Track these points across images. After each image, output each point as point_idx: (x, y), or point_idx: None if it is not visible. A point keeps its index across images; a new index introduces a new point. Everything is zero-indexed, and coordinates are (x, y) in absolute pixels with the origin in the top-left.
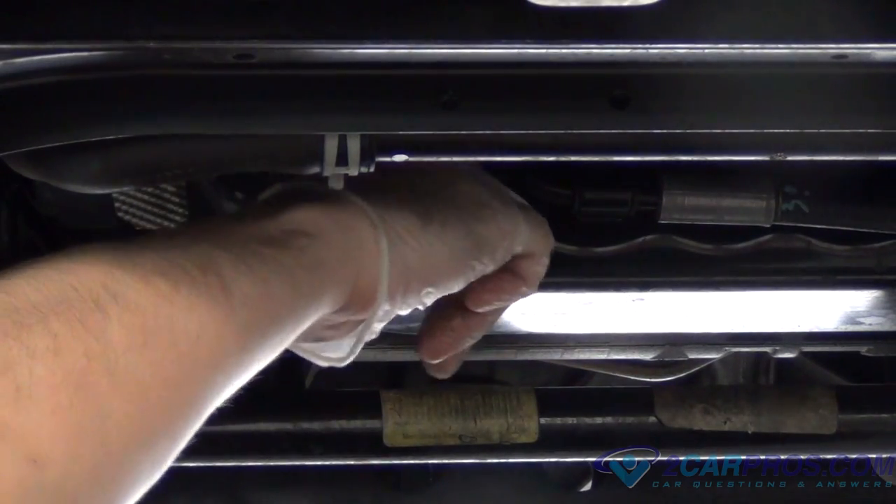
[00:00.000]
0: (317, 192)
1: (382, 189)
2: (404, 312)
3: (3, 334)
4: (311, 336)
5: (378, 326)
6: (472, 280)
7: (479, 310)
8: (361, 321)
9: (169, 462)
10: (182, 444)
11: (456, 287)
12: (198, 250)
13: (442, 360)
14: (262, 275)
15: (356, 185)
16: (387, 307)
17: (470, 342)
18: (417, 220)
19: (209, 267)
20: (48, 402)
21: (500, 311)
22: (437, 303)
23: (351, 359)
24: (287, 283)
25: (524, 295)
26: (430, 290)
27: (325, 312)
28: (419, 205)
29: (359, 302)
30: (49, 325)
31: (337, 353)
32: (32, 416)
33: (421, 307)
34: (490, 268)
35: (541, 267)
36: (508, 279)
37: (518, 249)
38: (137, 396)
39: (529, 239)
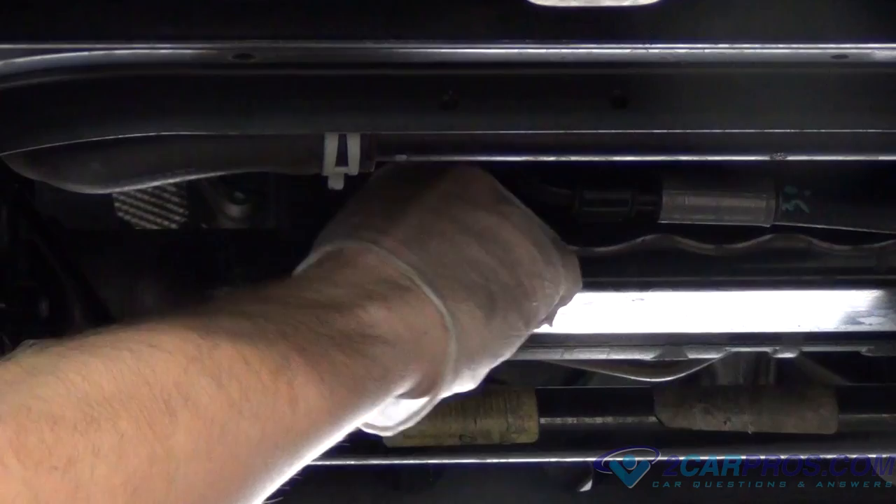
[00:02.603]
0: (394, 283)
1: (450, 270)
2: (461, 390)
3: (73, 428)
4: None
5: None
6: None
7: None
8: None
9: None
10: None
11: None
12: (276, 351)
13: None
14: (331, 386)
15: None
16: (445, 392)
17: None
18: (482, 314)
19: (282, 373)
20: (104, 503)
21: None
22: None
23: (399, 430)
24: (354, 393)
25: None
26: (486, 368)
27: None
28: (485, 292)
29: (419, 389)
30: (118, 424)
31: (383, 423)
32: None
33: (474, 384)
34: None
35: (565, 306)
36: None
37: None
38: (194, 502)
39: (565, 292)
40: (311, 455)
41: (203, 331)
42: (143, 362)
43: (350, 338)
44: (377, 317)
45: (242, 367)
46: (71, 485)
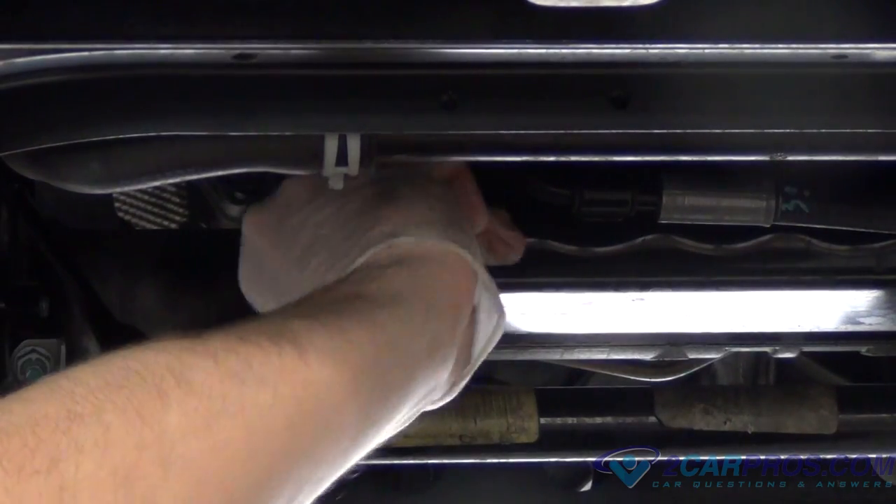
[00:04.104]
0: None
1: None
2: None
3: (54, 427)
4: None
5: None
6: None
7: None
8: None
9: None
10: None
11: None
12: (272, 321)
13: None
14: (339, 326)
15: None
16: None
17: None
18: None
19: (282, 334)
20: (92, 500)
21: None
22: None
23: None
24: (368, 330)
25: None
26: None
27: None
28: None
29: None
30: (102, 417)
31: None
32: None
33: None
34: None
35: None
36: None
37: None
38: (194, 481)
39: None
40: (362, 410)
41: (198, 332)
42: (131, 358)
43: (351, 292)
44: (388, 273)
45: (238, 342)
46: (56, 487)
